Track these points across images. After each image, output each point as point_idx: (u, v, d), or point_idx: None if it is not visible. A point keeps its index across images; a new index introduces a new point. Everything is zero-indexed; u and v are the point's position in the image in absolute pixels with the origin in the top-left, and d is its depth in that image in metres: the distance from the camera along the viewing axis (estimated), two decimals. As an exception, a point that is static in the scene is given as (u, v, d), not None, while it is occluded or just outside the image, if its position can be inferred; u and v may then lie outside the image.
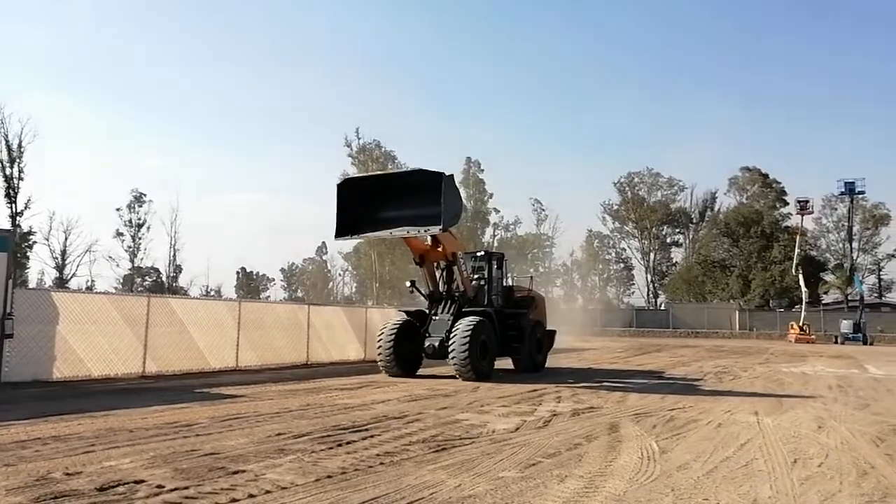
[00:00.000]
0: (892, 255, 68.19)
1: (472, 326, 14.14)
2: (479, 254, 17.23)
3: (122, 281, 65.48)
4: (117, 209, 65.81)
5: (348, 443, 6.96)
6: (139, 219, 66.45)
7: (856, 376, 17.71)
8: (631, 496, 5.10)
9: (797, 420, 9.33)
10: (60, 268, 62.12)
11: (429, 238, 15.00)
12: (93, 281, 63.16)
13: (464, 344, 13.86)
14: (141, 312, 13.95)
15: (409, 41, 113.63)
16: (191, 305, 15.81)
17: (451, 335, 14.25)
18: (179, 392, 11.39)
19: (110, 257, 64.17)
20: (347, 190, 14.87)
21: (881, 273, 69.65)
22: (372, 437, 7.37)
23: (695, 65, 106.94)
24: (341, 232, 14.77)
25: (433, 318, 15.49)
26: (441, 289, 15.85)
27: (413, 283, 16.52)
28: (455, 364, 14.06)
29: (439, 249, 15.18)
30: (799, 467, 6.25)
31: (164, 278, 68.56)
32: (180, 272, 69.66)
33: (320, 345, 18.77)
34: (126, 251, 65.58)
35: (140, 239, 66.17)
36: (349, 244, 61.22)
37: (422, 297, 16.19)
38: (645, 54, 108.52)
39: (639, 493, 5.18)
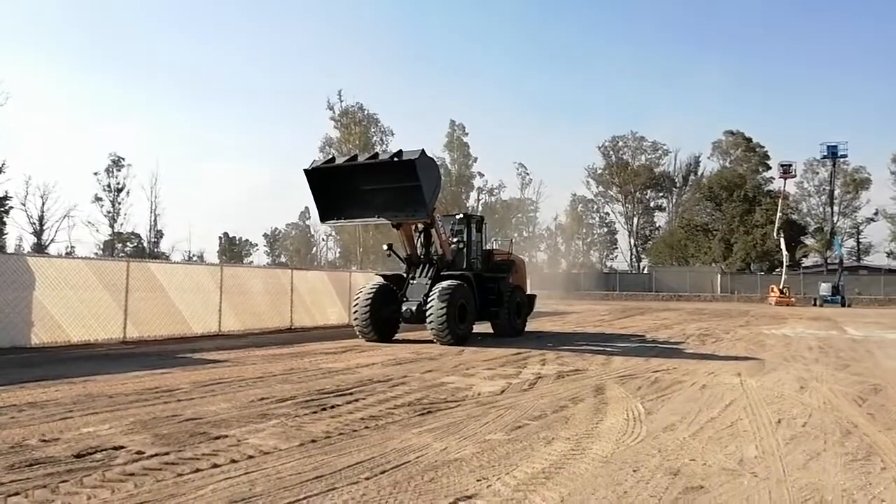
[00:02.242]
0: (871, 219, 69.24)
1: (450, 290, 13.96)
2: (457, 216, 16.94)
3: (102, 247, 64.72)
4: (95, 173, 64.88)
5: (332, 407, 6.89)
6: (118, 183, 65.62)
7: (835, 338, 17.94)
8: (618, 457, 5.07)
9: (780, 381, 9.40)
10: (38, 233, 61.28)
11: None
12: (72, 247, 62.47)
13: (441, 308, 13.68)
14: (120, 277, 13.71)
15: (394, 5, 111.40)
16: (172, 270, 15.58)
17: (429, 299, 14.04)
18: (161, 357, 11.25)
19: (89, 223, 63.45)
20: (317, 175, 14.48)
21: (860, 236, 70.75)
22: (356, 401, 7.30)
23: (679, 29, 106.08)
24: (326, 216, 14.60)
25: (411, 282, 15.26)
26: (419, 252, 15.61)
27: (390, 247, 16.17)
28: (432, 328, 13.89)
29: None
30: (783, 427, 6.27)
31: (145, 244, 67.88)
32: (161, 237, 69.08)
33: (304, 309, 18.64)
34: (105, 216, 64.88)
35: (119, 204, 65.44)
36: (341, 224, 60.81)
37: (400, 261, 15.93)
38: (629, 18, 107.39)
39: (626, 455, 5.15)
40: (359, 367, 10.36)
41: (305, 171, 14.43)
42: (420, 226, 15.55)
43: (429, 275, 15.12)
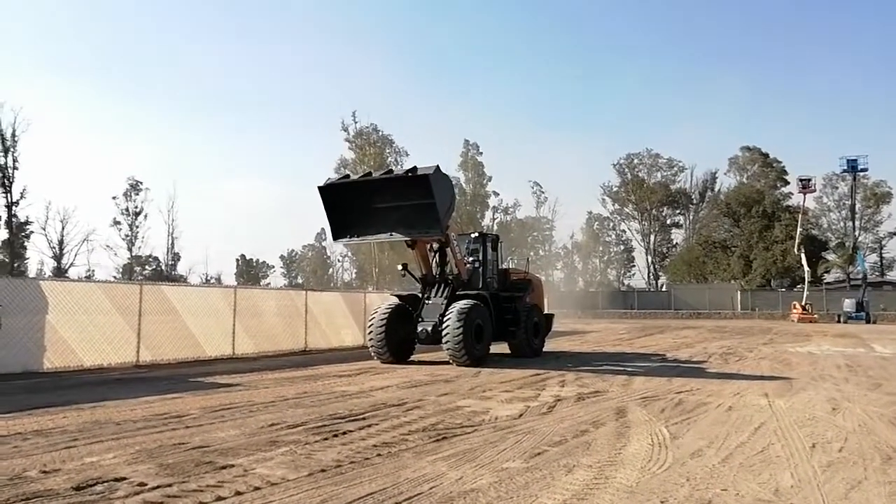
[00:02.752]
0: (894, 234, 68.07)
1: (466, 310, 13.71)
2: (473, 235, 16.73)
3: (121, 270, 65.22)
4: (114, 197, 65.53)
5: (344, 433, 6.65)
6: (136, 207, 66.26)
7: (863, 356, 17.42)
8: (644, 487, 4.78)
9: (810, 402, 9.03)
10: (58, 257, 61.89)
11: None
12: (92, 270, 62.93)
13: (458, 328, 13.42)
14: (133, 301, 13.62)
15: (408, 23, 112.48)
16: (185, 293, 15.48)
17: (445, 319, 13.78)
18: (173, 381, 11.08)
19: (108, 246, 64.02)
20: (331, 192, 14.32)
21: (883, 251, 69.59)
22: (369, 426, 7.06)
23: (694, 45, 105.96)
24: (338, 234, 14.41)
25: (426, 302, 15.01)
26: (434, 272, 15.39)
27: (405, 267, 15.88)
28: (449, 349, 13.62)
29: None
30: (819, 452, 5.94)
31: (163, 266, 68.34)
32: (178, 260, 69.52)
33: (318, 331, 18.47)
34: (123, 240, 65.40)
35: (137, 227, 66.00)
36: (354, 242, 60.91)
37: (415, 281, 15.69)
38: (644, 35, 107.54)
39: (652, 484, 4.86)
40: (373, 390, 10.12)
41: (319, 188, 14.26)
42: (435, 245, 15.35)
43: (444, 295, 14.88)
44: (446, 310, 14.12)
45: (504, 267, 17.78)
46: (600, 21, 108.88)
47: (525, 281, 17.42)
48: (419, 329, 14.48)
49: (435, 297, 14.98)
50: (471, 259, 15.95)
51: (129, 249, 65.80)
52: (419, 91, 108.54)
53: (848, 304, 43.33)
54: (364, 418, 7.53)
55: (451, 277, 15.20)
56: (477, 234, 16.71)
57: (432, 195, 12.91)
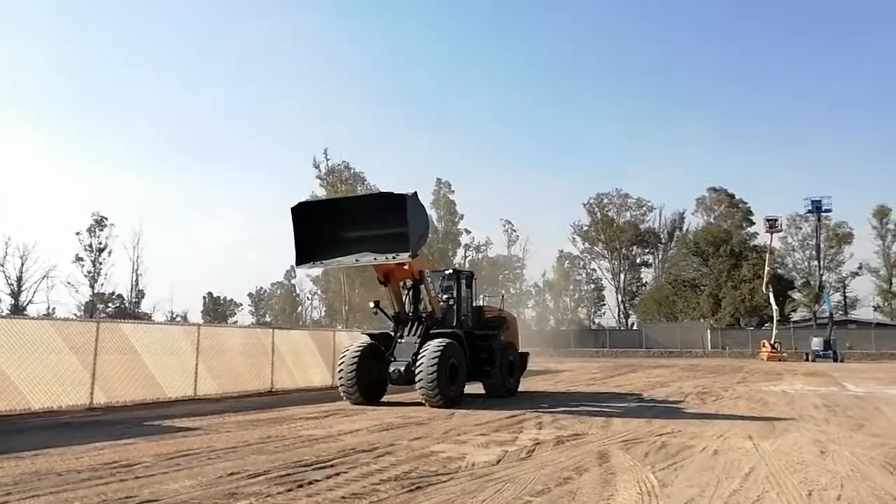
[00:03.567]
0: (856, 273, 69.50)
1: (440, 349, 13.26)
2: (447, 272, 16.38)
3: (83, 307, 63.23)
4: (77, 233, 63.92)
5: (310, 483, 6.13)
6: (100, 243, 64.65)
7: (837, 394, 17.32)
8: (638, 543, 4.38)
9: (796, 444, 8.74)
10: (16, 294, 59.89)
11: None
12: (52, 308, 60.94)
13: (432, 368, 12.97)
14: (88, 339, 12.89)
15: (384, 66, 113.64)
16: (145, 331, 14.71)
17: (419, 359, 13.32)
18: (127, 426, 10.38)
19: (69, 283, 62.15)
20: (304, 213, 13.73)
21: (846, 290, 70.88)
22: (337, 474, 6.54)
23: (662, 87, 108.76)
24: (302, 259, 13.73)
25: (399, 340, 14.52)
26: (407, 309, 14.96)
27: (377, 304, 15.41)
28: (422, 390, 13.14)
29: (405, 268, 14.22)
30: (816, 501, 5.61)
31: (127, 304, 66.49)
32: (143, 297, 67.73)
33: (285, 371, 17.79)
34: (86, 276, 63.61)
35: (101, 264, 64.30)
36: (318, 269, 60.05)
37: (388, 319, 15.17)
38: (612, 75, 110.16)
39: (646, 540, 4.46)
40: (341, 434, 9.57)
41: (292, 208, 13.61)
42: (409, 282, 14.95)
43: (418, 333, 14.41)
44: (420, 349, 13.67)
45: (478, 304, 17.40)
46: (572, 63, 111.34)
47: (499, 319, 17.07)
48: (391, 369, 13.94)
49: (408, 335, 14.50)
50: (445, 297, 15.54)
51: (92, 286, 64.01)
52: (392, 131, 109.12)
53: (816, 343, 43.80)
54: (332, 465, 7.01)
55: (424, 315, 14.75)
56: (451, 271, 16.37)
57: (405, 218, 12.42)
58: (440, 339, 13.67)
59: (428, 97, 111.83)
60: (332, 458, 7.43)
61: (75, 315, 57.75)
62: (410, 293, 15.13)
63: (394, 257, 13.04)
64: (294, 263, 13.86)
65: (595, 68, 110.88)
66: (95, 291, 64.33)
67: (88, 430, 9.79)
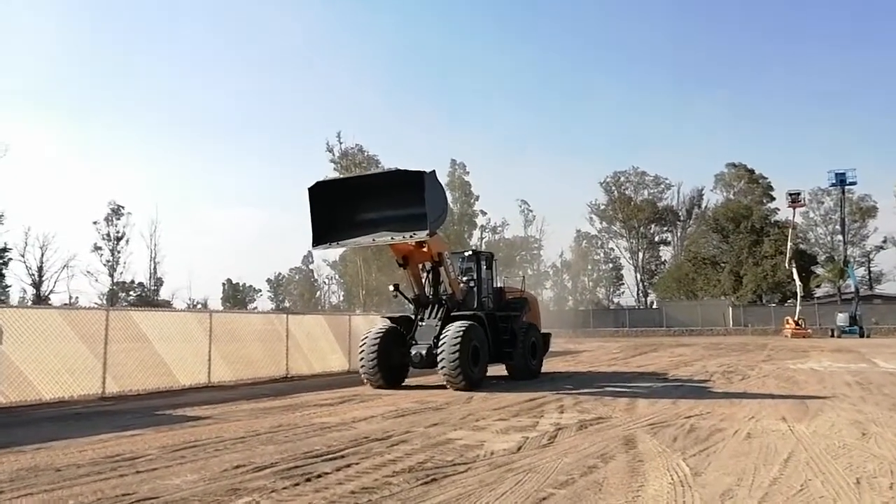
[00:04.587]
0: (881, 247, 68.20)
1: (462, 332, 13.06)
2: (466, 253, 16.04)
3: (104, 297, 63.69)
4: (94, 222, 64.26)
5: (319, 476, 5.79)
6: (118, 232, 64.97)
7: (869, 371, 16.74)
8: (674, 542, 3.97)
9: (834, 426, 8.26)
10: (37, 285, 60.45)
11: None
12: (75, 298, 61.42)
13: (454, 351, 12.78)
14: (98, 328, 12.67)
15: (396, 47, 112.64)
16: (157, 319, 14.48)
17: (440, 342, 13.13)
18: (137, 415, 10.14)
19: (88, 272, 62.57)
20: (321, 194, 13.42)
21: (871, 265, 69.56)
22: (349, 466, 6.19)
23: (679, 62, 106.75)
24: (319, 240, 13.39)
25: (419, 324, 14.33)
26: (427, 292, 14.71)
27: (396, 287, 15.12)
28: (445, 373, 12.95)
29: (424, 250, 13.86)
30: (866, 490, 5.15)
31: (146, 292, 66.90)
32: (161, 285, 68.09)
33: (301, 356, 17.52)
34: (105, 265, 64.00)
35: (119, 252, 64.64)
36: (335, 251, 59.95)
37: (408, 302, 14.97)
38: (630, 51, 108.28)
39: (683, 538, 4.05)
40: (355, 421, 9.24)
41: (310, 188, 13.36)
42: (428, 264, 14.67)
43: (438, 316, 14.22)
44: (441, 332, 13.48)
45: (499, 285, 17.07)
46: (585, 42, 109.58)
47: (521, 299, 16.79)
48: (413, 352, 13.77)
49: (429, 318, 14.33)
50: (465, 278, 15.34)
51: (111, 275, 64.43)
52: (404, 113, 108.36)
53: (841, 319, 42.88)
54: (343, 456, 6.66)
55: (444, 298, 14.52)
56: (470, 253, 16.05)
57: (423, 196, 12.08)
58: (462, 322, 13.46)
59: (440, 79, 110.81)
60: (344, 448, 7.09)
61: (96, 304, 58.19)
62: (430, 276, 14.86)
63: (411, 236, 12.68)
64: (311, 245, 13.51)
65: (610, 45, 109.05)
66: (115, 280, 64.77)
67: (97, 421, 9.55)
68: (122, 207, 64.92)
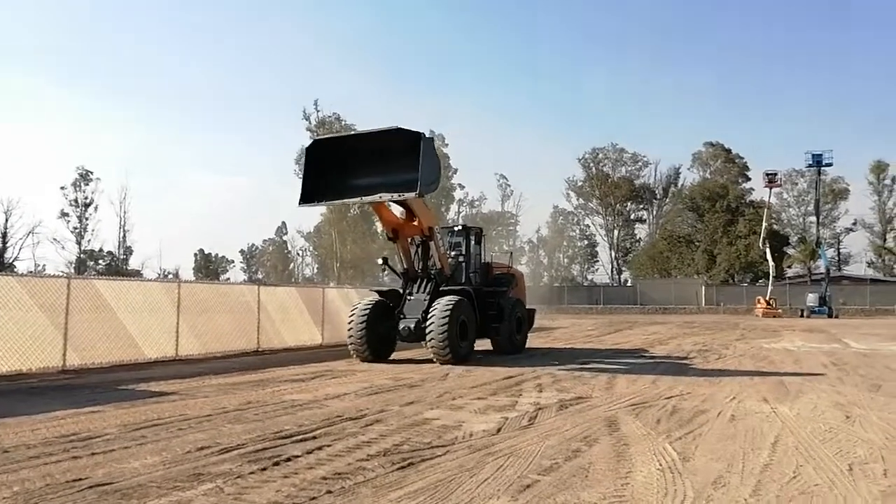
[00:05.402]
0: (851, 229, 69.27)
1: (450, 306, 13.08)
2: (456, 228, 16.17)
3: (72, 265, 62.18)
4: (62, 188, 62.50)
5: (288, 459, 5.45)
6: (86, 198, 63.30)
7: (841, 352, 16.83)
8: (669, 537, 3.71)
9: (816, 408, 8.12)
10: (1, 251, 58.77)
11: (404, 211, 13.97)
12: (42, 266, 59.82)
13: (442, 325, 12.82)
14: (60, 297, 12.10)
15: (368, 16, 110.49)
16: (122, 288, 13.92)
17: (429, 316, 13.15)
18: (98, 390, 9.68)
19: (55, 239, 60.97)
20: (318, 153, 13.52)
21: (840, 246, 70.69)
22: (320, 448, 5.86)
23: (658, 41, 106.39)
24: (306, 198, 13.32)
25: (408, 297, 14.34)
26: (416, 266, 14.69)
27: (385, 260, 15.24)
28: (433, 347, 13.01)
29: (414, 223, 13.99)
30: (860, 477, 4.96)
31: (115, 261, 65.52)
32: (131, 254, 66.75)
33: (272, 329, 17.08)
34: (72, 232, 62.44)
35: (87, 220, 63.07)
36: (311, 221, 59.05)
37: (396, 275, 15.10)
38: (608, 29, 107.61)
39: (678, 532, 3.79)
40: (327, 398, 8.90)
41: (307, 148, 13.87)
42: (417, 238, 14.59)
43: (427, 290, 14.22)
44: (430, 306, 13.52)
45: (486, 260, 17.09)
46: (563, 17, 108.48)
47: (508, 275, 16.94)
48: (401, 326, 13.83)
49: (417, 292, 14.37)
50: (453, 253, 15.39)
51: (79, 243, 62.92)
52: (383, 83, 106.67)
53: (811, 299, 43.48)
54: (314, 437, 6.32)
55: (433, 272, 14.55)
56: (460, 228, 16.18)
57: (418, 157, 11.94)
58: (450, 297, 13.52)
59: (419, 50, 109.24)
60: (316, 428, 6.75)
61: (63, 272, 56.80)
62: (419, 249, 14.82)
63: (400, 195, 12.67)
64: (298, 202, 13.39)
65: (589, 22, 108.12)
66: (83, 248, 63.28)
67: (54, 396, 9.09)
68: (91, 173, 63.26)
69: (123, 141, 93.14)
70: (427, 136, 12.49)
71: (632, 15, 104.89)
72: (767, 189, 48.17)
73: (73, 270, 59.50)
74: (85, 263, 63.75)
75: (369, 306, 14.06)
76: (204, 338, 15.05)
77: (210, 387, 10.05)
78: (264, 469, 5.14)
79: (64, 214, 62.23)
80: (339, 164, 13.44)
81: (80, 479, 4.81)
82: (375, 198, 12.99)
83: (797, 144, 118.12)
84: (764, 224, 48.34)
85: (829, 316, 41.67)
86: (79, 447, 5.87)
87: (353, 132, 13.95)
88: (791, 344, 19.55)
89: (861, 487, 4.69)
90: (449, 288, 14.04)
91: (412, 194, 12.27)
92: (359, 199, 13.64)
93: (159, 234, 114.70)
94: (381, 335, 14.02)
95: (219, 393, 9.39)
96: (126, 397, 8.93)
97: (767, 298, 44.60)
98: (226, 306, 16.04)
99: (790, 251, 63.61)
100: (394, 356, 14.39)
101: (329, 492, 4.55)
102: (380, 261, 15.49)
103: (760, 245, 48.39)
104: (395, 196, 12.70)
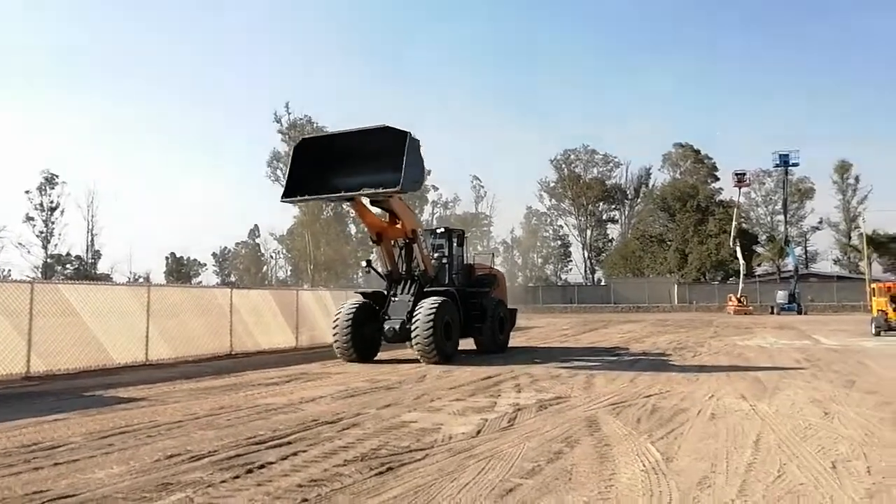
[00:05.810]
0: (817, 228, 70.56)
1: (435, 307, 13.28)
2: (438, 230, 16.38)
3: (39, 269, 60.64)
4: (27, 191, 60.97)
5: (262, 466, 5.25)
6: (52, 202, 61.84)
7: (813, 348, 17.03)
8: (658, 541, 3.61)
9: (794, 405, 8.14)
10: (-37, 257, 57.17)
11: (387, 215, 14.30)
12: (7, 271, 58.26)
13: (427, 326, 12.99)
14: (23, 302, 11.69)
15: (338, 12, 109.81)
16: (88, 292, 13.51)
17: (414, 317, 13.32)
18: (64, 397, 9.35)
19: (20, 244, 59.45)
20: (304, 151, 13.88)
21: (807, 244, 71.99)
22: (295, 454, 5.67)
23: (627, 42, 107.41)
24: (289, 193, 13.68)
25: (392, 299, 14.48)
26: (400, 268, 14.80)
27: (369, 263, 15.62)
28: (418, 347, 13.16)
29: (398, 226, 14.21)
30: (844, 475, 4.93)
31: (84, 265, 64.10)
32: (100, 258, 65.38)
33: (245, 333, 16.75)
34: (38, 236, 60.95)
35: (53, 224, 61.61)
36: (284, 223, 58.42)
37: (381, 278, 15.20)
38: (580, 31, 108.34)
39: (666, 535, 3.70)
40: (303, 402, 8.69)
41: (295, 147, 14.33)
42: (401, 241, 14.72)
43: (411, 291, 14.41)
44: (414, 307, 13.70)
45: (469, 262, 17.36)
46: (533, 18, 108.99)
47: (490, 276, 17.20)
48: (386, 327, 14.01)
49: (401, 294, 14.54)
50: (436, 255, 15.65)
51: (45, 247, 61.44)
52: (357, 83, 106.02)
53: (781, 296, 44.16)
54: (289, 443, 6.13)
55: (417, 274, 14.67)
56: (443, 230, 16.38)
57: (403, 155, 12.12)
58: (435, 298, 13.70)
59: (392, 49, 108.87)
60: (291, 433, 6.55)
61: (27, 276, 55.39)
62: (403, 252, 14.92)
63: (383, 191, 12.85)
64: (280, 197, 13.99)
65: (558, 23, 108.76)
66: (49, 252, 61.81)
67: (16, 404, 8.74)
68: (56, 176, 61.79)
69: (88, 142, 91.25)
70: (413, 136, 12.60)
71: (600, 15, 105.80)
72: (737, 189, 48.87)
73: (39, 275, 58.03)
74: (52, 268, 62.26)
75: (354, 308, 14.14)
76: (175, 342, 14.70)
77: (181, 392, 9.77)
78: (237, 477, 4.95)
79: (29, 219, 60.72)
80: (325, 163, 13.61)
81: (42, 492, 4.57)
82: (358, 194, 13.12)
83: (762, 145, 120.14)
84: (734, 223, 49.04)
85: (799, 312, 42.37)
86: (41, 457, 5.61)
87: (340, 131, 13.96)
88: (764, 341, 19.76)
89: (847, 486, 4.65)
90: (433, 289, 14.22)
91: (394, 189, 12.45)
92: (340, 194, 13.62)
93: (129, 238, 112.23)
94: (367, 336, 14.13)
95: (190, 398, 9.13)
96: (92, 404, 8.62)
97: (739, 296, 45.20)
98: (198, 309, 15.70)
99: (759, 249, 64.59)
100: (377, 357, 14.42)
101: (305, 500, 4.38)
102: (363, 263, 15.74)
103: (731, 244, 49.08)
104: (378, 192, 12.86)
